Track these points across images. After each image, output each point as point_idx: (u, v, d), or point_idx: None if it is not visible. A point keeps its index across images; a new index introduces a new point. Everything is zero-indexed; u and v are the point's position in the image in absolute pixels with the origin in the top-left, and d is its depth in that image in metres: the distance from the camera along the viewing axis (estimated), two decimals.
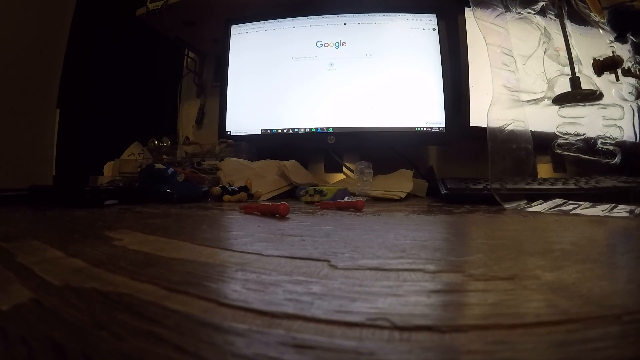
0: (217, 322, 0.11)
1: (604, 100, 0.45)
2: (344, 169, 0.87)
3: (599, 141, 0.46)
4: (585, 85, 0.45)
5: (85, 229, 0.30)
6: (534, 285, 0.14)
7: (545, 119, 0.50)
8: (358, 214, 0.41)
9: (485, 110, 0.49)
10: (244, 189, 0.61)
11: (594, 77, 0.45)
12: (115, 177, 0.82)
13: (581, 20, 0.47)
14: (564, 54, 0.47)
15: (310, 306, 0.12)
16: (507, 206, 0.47)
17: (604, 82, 0.45)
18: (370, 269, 0.17)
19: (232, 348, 0.09)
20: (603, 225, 0.33)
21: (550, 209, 0.44)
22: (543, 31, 0.49)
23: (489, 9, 0.49)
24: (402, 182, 0.69)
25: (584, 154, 0.47)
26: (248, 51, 0.88)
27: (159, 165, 0.57)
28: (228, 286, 0.14)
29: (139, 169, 0.68)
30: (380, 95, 0.82)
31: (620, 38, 0.43)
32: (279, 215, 0.37)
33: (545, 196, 0.48)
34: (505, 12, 0.50)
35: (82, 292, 0.13)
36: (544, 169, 0.74)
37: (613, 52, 0.44)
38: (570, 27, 0.47)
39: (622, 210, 0.39)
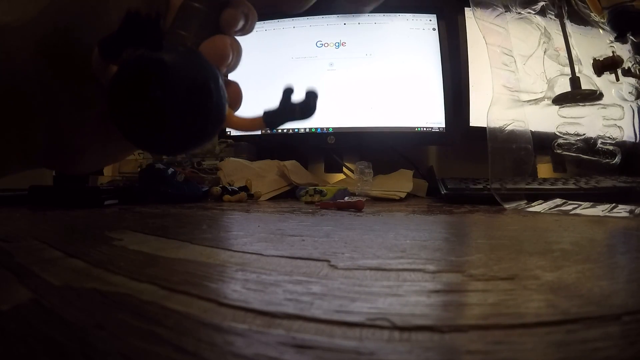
0: (217, 322, 0.11)
1: (604, 100, 0.45)
2: (344, 169, 0.87)
3: (599, 141, 0.46)
4: (585, 85, 0.45)
5: (85, 229, 0.30)
6: (534, 285, 0.14)
7: (545, 119, 0.50)
8: (358, 214, 0.41)
9: (485, 110, 0.49)
10: (244, 189, 0.61)
11: (594, 77, 0.45)
12: (115, 177, 0.82)
13: (581, 20, 0.47)
14: (564, 54, 0.47)
15: (310, 306, 0.12)
16: (507, 206, 0.47)
17: (604, 82, 0.45)
18: (370, 269, 0.17)
19: (232, 348, 0.09)
20: (603, 225, 0.33)
21: (550, 209, 0.44)
22: (543, 31, 0.49)
23: (489, 9, 0.49)
24: (402, 182, 0.69)
25: (584, 154, 0.47)
26: (248, 51, 0.88)
27: (159, 165, 0.57)
28: (228, 286, 0.14)
29: (139, 169, 0.68)
30: (380, 95, 0.82)
31: (620, 38, 0.43)
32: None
33: (545, 196, 0.48)
34: (505, 12, 0.50)
35: (82, 292, 0.13)
36: (544, 169, 0.74)
37: (613, 52, 0.44)
38: (570, 27, 0.47)
39: (622, 210, 0.39)
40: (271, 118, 0.19)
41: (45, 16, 0.16)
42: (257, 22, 0.21)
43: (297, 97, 0.18)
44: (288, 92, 0.18)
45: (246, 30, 0.20)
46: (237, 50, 0.19)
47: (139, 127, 0.16)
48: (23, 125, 0.16)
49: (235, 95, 0.20)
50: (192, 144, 0.18)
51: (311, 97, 0.18)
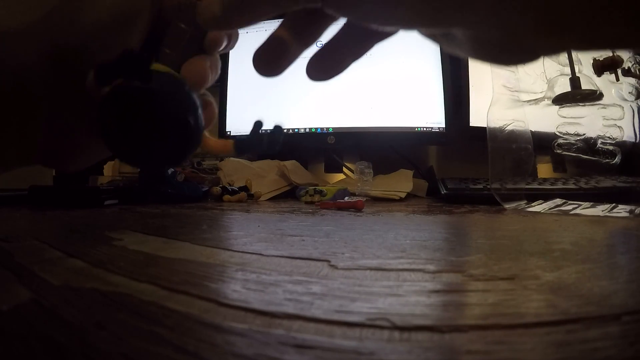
0: (217, 322, 0.11)
1: (604, 100, 0.45)
2: (344, 169, 0.87)
3: (599, 141, 0.46)
4: (585, 85, 0.45)
5: (85, 229, 0.30)
6: (534, 285, 0.14)
7: (545, 119, 0.50)
8: (358, 214, 0.41)
9: (485, 110, 0.49)
10: (244, 189, 0.61)
11: (594, 77, 0.45)
12: (115, 177, 0.82)
13: None
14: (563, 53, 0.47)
15: (310, 306, 0.12)
16: (507, 206, 0.47)
17: (604, 82, 0.45)
18: (370, 269, 0.17)
19: (232, 348, 0.09)
20: (603, 225, 0.33)
21: (550, 209, 0.44)
22: None
23: None
24: (402, 182, 0.69)
25: (584, 154, 0.47)
26: (248, 51, 0.88)
27: None
28: (228, 286, 0.14)
29: (139, 169, 0.68)
30: (380, 95, 0.82)
31: None
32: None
33: (545, 196, 0.48)
34: None
35: (82, 292, 0.13)
36: (544, 169, 0.74)
37: (613, 52, 0.44)
38: None
39: (622, 210, 0.39)
40: (240, 145, 0.21)
41: (49, 21, 0.16)
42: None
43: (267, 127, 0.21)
44: (258, 124, 0.21)
45: (228, 48, 0.22)
46: (216, 69, 0.21)
47: (123, 147, 0.18)
48: (23, 123, 0.17)
49: (210, 115, 0.22)
50: (169, 163, 0.20)
51: (277, 130, 0.21)
